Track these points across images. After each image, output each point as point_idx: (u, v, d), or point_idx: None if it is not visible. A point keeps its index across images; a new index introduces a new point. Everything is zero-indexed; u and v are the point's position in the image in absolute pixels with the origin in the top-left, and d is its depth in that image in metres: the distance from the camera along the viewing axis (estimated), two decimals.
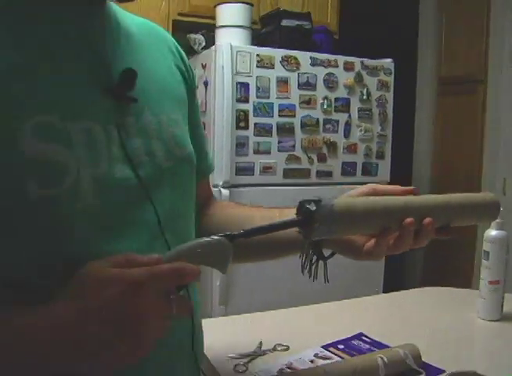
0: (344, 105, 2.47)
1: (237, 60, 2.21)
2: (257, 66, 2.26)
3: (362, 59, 2.51)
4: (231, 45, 2.19)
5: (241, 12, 2.33)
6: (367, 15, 3.91)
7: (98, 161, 0.52)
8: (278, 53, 2.30)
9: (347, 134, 2.49)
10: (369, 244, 0.66)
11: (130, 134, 0.57)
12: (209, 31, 2.47)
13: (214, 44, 2.33)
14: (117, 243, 0.53)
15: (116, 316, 0.44)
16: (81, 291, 0.46)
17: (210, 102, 2.27)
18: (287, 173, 2.37)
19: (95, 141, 0.53)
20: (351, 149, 2.51)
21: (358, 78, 2.49)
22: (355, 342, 0.95)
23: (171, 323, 0.49)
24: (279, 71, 2.31)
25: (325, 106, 2.41)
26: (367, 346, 0.93)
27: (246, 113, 2.24)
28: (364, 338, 0.97)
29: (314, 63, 2.38)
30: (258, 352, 0.89)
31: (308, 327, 1.05)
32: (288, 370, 0.83)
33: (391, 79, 2.60)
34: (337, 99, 2.45)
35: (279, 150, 2.34)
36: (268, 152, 2.31)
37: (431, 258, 3.30)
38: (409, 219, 0.61)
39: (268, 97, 2.29)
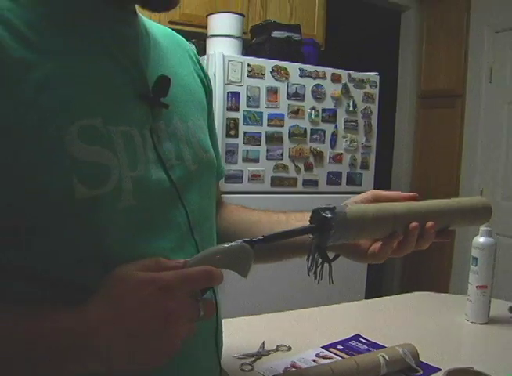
0: (330, 116, 2.53)
1: (229, 69, 2.24)
2: (248, 76, 2.29)
3: (348, 71, 2.57)
4: (223, 55, 2.22)
5: (233, 22, 2.37)
6: (352, 28, 4.01)
7: (136, 164, 0.54)
8: (269, 64, 2.35)
9: (333, 144, 2.55)
10: (374, 247, 0.70)
11: (161, 138, 0.59)
12: (199, 40, 2.50)
13: (204, 53, 2.37)
14: (152, 242, 0.55)
15: (148, 318, 0.46)
16: (114, 294, 0.47)
17: None
18: (275, 181, 2.41)
19: (133, 144, 0.55)
20: (337, 159, 2.57)
21: (345, 90, 2.55)
22: (353, 343, 1.00)
23: (198, 324, 0.51)
24: (269, 81, 2.35)
25: (312, 117, 2.46)
26: (365, 347, 0.98)
27: (236, 121, 2.28)
28: (361, 339, 1.02)
29: (303, 74, 2.43)
30: (262, 353, 0.93)
31: (307, 329, 1.09)
32: (293, 369, 0.86)
33: (376, 92, 2.67)
34: (324, 110, 2.50)
35: (267, 159, 2.38)
36: (256, 160, 2.35)
37: (409, 266, 3.39)
38: (414, 224, 0.66)
39: (258, 106, 2.33)
